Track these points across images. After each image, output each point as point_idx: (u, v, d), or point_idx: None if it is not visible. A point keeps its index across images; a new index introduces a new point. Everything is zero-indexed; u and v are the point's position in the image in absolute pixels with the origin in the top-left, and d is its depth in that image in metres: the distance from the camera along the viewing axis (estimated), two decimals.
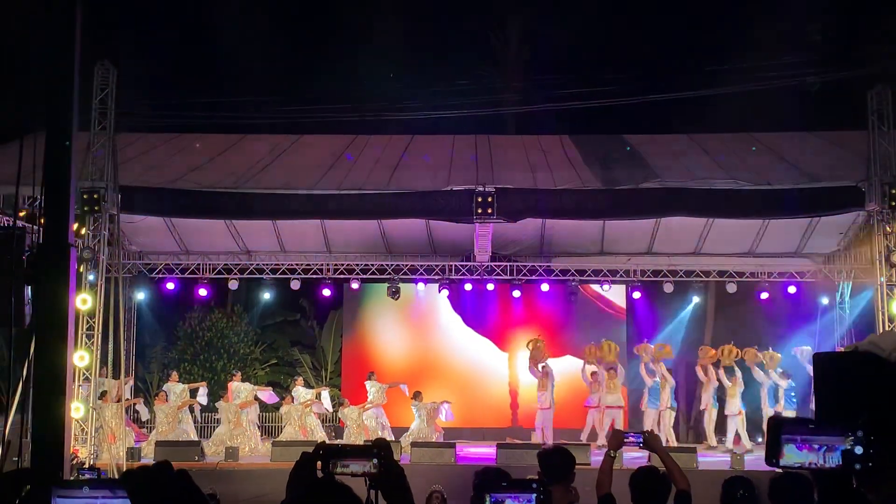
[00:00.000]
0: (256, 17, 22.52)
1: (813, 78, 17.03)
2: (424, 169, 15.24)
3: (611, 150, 16.24)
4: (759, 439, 15.79)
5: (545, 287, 16.88)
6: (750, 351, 15.64)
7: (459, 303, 18.10)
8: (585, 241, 16.29)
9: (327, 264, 16.59)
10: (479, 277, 16.57)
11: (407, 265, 16.52)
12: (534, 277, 16.59)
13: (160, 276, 16.62)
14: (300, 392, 15.94)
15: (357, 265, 16.64)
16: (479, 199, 13.50)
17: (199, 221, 15.50)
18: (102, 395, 14.22)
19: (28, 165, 5.56)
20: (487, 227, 14.43)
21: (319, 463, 2.94)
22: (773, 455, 2.02)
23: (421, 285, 17.06)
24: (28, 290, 5.70)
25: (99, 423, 13.91)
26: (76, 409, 12.53)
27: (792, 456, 1.99)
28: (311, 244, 16.57)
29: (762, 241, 16.05)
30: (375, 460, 2.87)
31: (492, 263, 16.37)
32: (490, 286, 16.98)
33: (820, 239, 15.96)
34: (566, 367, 16.49)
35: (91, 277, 13.78)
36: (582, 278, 16.68)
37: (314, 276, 16.64)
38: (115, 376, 14.45)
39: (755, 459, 13.05)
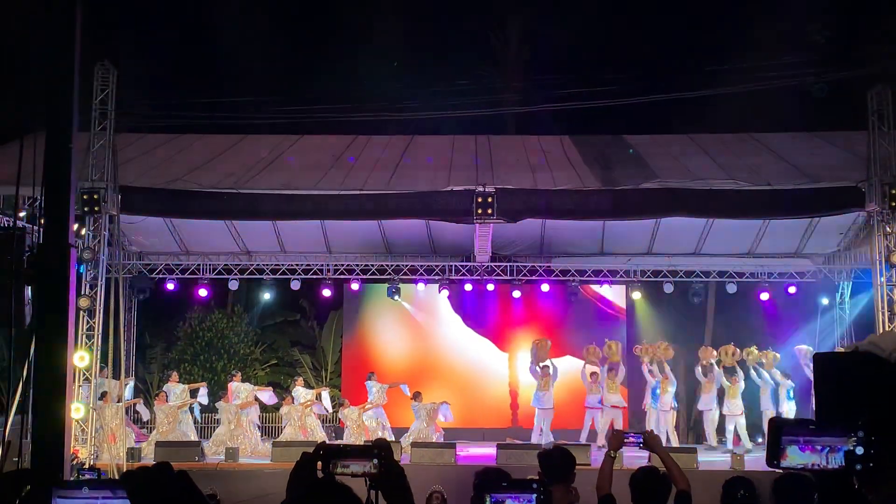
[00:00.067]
0: (256, 17, 22.52)
1: (815, 79, 17.02)
2: (424, 169, 15.24)
3: (611, 150, 16.25)
4: (759, 439, 15.80)
5: (545, 287, 16.89)
6: (750, 351, 15.64)
7: (459, 303, 18.10)
8: (585, 242, 16.30)
9: (327, 264, 16.60)
10: (479, 278, 16.58)
11: (407, 265, 16.53)
12: (534, 277, 16.59)
13: (160, 276, 16.63)
14: (300, 392, 15.94)
15: (357, 265, 16.65)
16: (479, 200, 13.50)
17: (199, 221, 15.50)
18: (103, 395, 14.22)
19: (28, 165, 5.56)
20: (487, 228, 14.42)
21: (320, 463, 2.93)
22: (774, 456, 2.02)
23: (421, 285, 17.06)
24: (28, 291, 5.70)
25: (99, 424, 13.90)
26: (76, 410, 12.52)
27: (795, 457, 1.99)
28: (311, 244, 16.58)
29: (762, 242, 16.06)
30: (376, 460, 2.86)
31: (492, 264, 16.38)
32: (490, 286, 16.99)
33: (820, 239, 15.97)
34: (566, 368, 16.47)
35: (91, 278, 13.77)
36: (582, 278, 16.69)
37: (314, 277, 16.65)
38: (116, 377, 14.46)
39: (755, 460, 13.05)
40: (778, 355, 15.57)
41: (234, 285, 17.15)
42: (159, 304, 18.51)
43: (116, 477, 10.18)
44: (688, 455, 12.89)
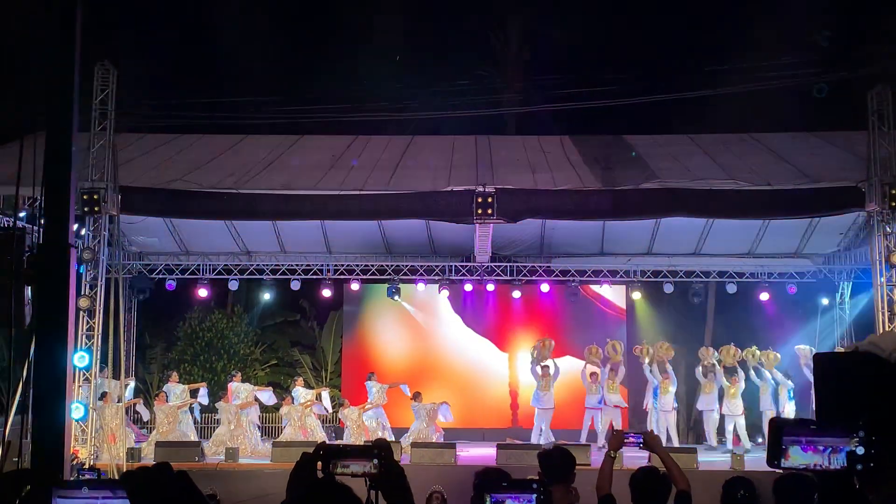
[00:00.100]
0: (256, 18, 22.53)
1: (815, 79, 17.01)
2: (424, 169, 15.23)
3: (611, 150, 16.24)
4: (759, 440, 15.80)
5: (545, 287, 16.89)
6: (751, 351, 15.63)
7: (459, 303, 18.10)
8: (585, 242, 16.30)
9: (327, 265, 16.60)
10: (479, 278, 16.58)
11: (407, 266, 16.53)
12: (534, 278, 16.59)
13: (160, 276, 16.64)
14: (300, 392, 15.94)
15: (357, 266, 16.65)
16: (479, 200, 13.49)
17: (199, 221, 15.50)
18: (103, 395, 14.22)
19: (28, 165, 5.56)
20: (487, 228, 14.42)
21: (320, 463, 2.93)
22: (775, 456, 2.01)
23: (421, 286, 17.05)
24: (28, 291, 5.70)
25: (99, 424, 13.90)
26: (76, 410, 12.52)
27: (797, 457, 1.99)
28: (311, 244, 16.57)
29: (762, 242, 16.06)
30: (376, 461, 2.86)
31: (492, 264, 16.38)
32: (490, 287, 16.99)
33: (820, 239, 15.97)
34: (566, 368, 16.46)
35: (91, 278, 13.77)
36: (582, 278, 16.70)
37: (314, 277, 16.65)
38: (116, 377, 14.46)
39: (755, 460, 13.04)
40: (778, 356, 15.56)
41: (234, 285, 17.16)
42: (159, 304, 18.51)
43: (116, 477, 10.18)
44: (688, 455, 12.89)
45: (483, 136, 17.48)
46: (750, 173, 14.31)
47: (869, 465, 1.93)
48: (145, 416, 16.19)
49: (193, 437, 15.17)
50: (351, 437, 14.97)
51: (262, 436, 15.97)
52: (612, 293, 18.11)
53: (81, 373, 13.32)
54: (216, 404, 15.86)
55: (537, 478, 4.13)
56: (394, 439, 14.42)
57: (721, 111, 18.33)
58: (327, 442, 11.73)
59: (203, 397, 16.14)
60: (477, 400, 17.89)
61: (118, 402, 14.26)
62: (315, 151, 16.42)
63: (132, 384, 16.43)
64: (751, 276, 16.38)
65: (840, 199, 13.74)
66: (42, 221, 5.59)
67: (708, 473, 11.54)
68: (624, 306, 18.21)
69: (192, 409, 15.73)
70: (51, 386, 5.45)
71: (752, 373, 15.50)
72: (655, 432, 13.26)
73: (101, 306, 13.60)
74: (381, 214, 14.65)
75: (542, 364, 15.83)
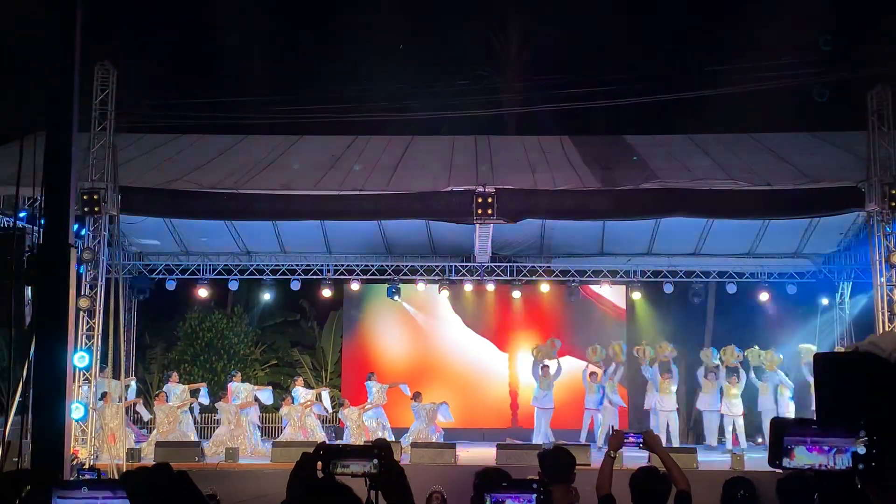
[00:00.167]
0: (256, 17, 22.53)
1: (815, 79, 17.00)
2: (424, 169, 15.23)
3: (611, 150, 16.24)
4: (760, 440, 15.80)
5: (545, 287, 16.89)
6: (753, 352, 15.60)
7: (459, 303, 18.10)
8: (585, 242, 16.30)
9: (327, 265, 16.61)
10: (479, 278, 16.58)
11: (407, 266, 16.54)
12: (534, 278, 16.60)
13: (160, 276, 16.64)
14: (299, 392, 15.93)
15: (357, 266, 16.65)
16: (479, 200, 13.49)
17: (199, 222, 15.50)
18: (103, 395, 14.22)
19: (28, 165, 5.56)
20: (487, 228, 14.42)
21: (320, 463, 2.93)
22: (776, 456, 2.01)
23: (421, 286, 17.05)
24: (28, 291, 5.70)
25: (99, 424, 13.90)
26: (76, 410, 12.52)
27: (802, 457, 1.98)
28: (311, 245, 16.58)
29: (762, 242, 16.06)
30: (376, 460, 2.86)
31: (492, 264, 16.38)
32: (490, 287, 16.99)
33: (820, 239, 15.97)
34: (566, 368, 16.46)
35: (91, 278, 13.77)
36: (582, 278, 16.70)
37: (314, 277, 16.66)
38: (116, 377, 14.45)
39: (755, 460, 13.04)
40: (781, 357, 15.54)
41: (233, 285, 17.17)
42: (159, 304, 18.52)
43: (116, 477, 10.18)
44: (688, 455, 12.88)
45: (483, 136, 17.47)
46: (750, 173, 14.31)
47: (870, 465, 1.93)
48: (145, 416, 16.18)
49: (194, 437, 15.16)
50: (351, 437, 14.97)
51: (262, 436, 15.97)
52: (612, 293, 18.11)
53: (81, 373, 13.31)
54: (216, 404, 15.86)
55: (537, 478, 4.13)
56: (394, 439, 14.41)
57: (721, 111, 18.33)
58: (327, 442, 11.75)
59: (204, 397, 16.15)
60: (477, 400, 17.89)
61: (118, 402, 14.25)
62: (315, 151, 16.41)
63: (133, 383, 16.43)
64: (751, 276, 16.39)
65: (840, 200, 13.74)
66: (42, 221, 5.59)
67: (708, 473, 11.53)
68: (624, 306, 18.21)
69: (191, 409, 15.72)
70: (51, 386, 5.45)
71: (753, 373, 15.49)
72: (655, 432, 13.26)
73: (101, 306, 13.59)
74: (381, 214, 14.65)
75: (543, 364, 15.83)
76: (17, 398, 8.00)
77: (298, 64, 23.74)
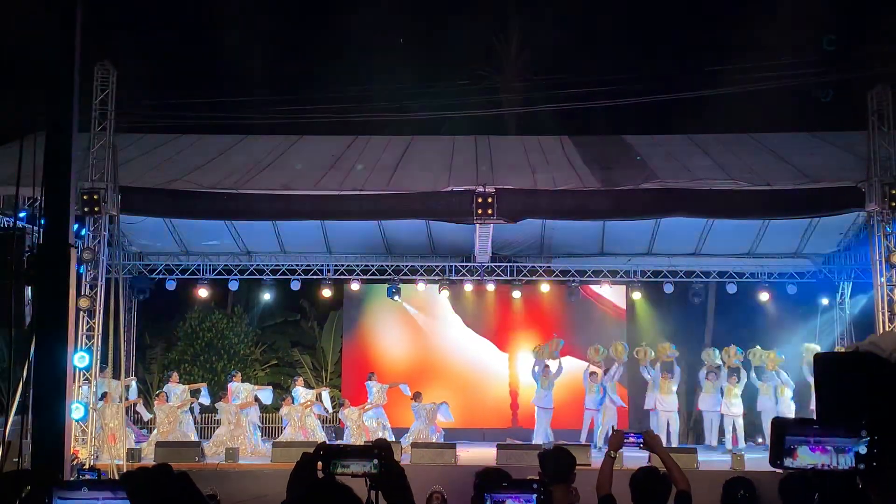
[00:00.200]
0: (256, 17, 22.54)
1: (816, 80, 17.01)
2: (424, 170, 15.23)
3: (611, 150, 16.24)
4: (760, 440, 15.80)
5: (545, 287, 16.89)
6: (755, 352, 15.59)
7: (459, 303, 18.09)
8: (585, 242, 16.30)
9: (327, 265, 16.61)
10: (479, 278, 16.58)
11: (407, 266, 16.54)
12: (534, 278, 16.60)
13: (160, 276, 16.64)
14: (299, 392, 15.93)
15: (357, 266, 16.66)
16: (479, 200, 13.49)
17: (199, 222, 15.50)
18: (103, 395, 14.21)
19: (28, 165, 5.56)
20: (487, 228, 14.42)
21: (320, 463, 2.93)
22: (777, 456, 2.01)
23: (421, 286, 17.05)
24: (28, 291, 5.70)
25: (99, 424, 13.90)
26: (76, 410, 12.52)
27: (805, 457, 1.98)
28: (311, 245, 16.58)
29: (762, 242, 16.06)
30: (376, 461, 2.86)
31: (492, 264, 16.38)
32: (490, 287, 16.99)
33: (820, 239, 15.97)
34: (566, 368, 16.46)
35: (91, 278, 13.77)
36: (582, 279, 16.70)
37: (314, 277, 16.66)
38: (116, 377, 14.45)
39: (755, 460, 13.04)
40: (783, 357, 15.52)
41: (234, 286, 17.17)
42: (159, 305, 18.52)
43: (116, 477, 10.18)
44: (688, 455, 12.88)
45: (483, 136, 17.47)
46: (750, 173, 14.31)
47: (871, 465, 1.93)
48: (145, 416, 16.18)
49: (194, 437, 15.16)
50: (351, 438, 14.97)
51: (262, 436, 15.97)
52: (612, 293, 18.11)
53: (81, 373, 13.31)
54: (216, 405, 15.86)
55: (537, 478, 4.13)
56: (394, 439, 14.41)
57: (721, 111, 18.33)
58: (327, 442, 11.75)
59: (205, 397, 16.15)
60: (477, 400, 17.89)
61: (118, 402, 14.25)
62: (315, 151, 16.42)
63: (134, 384, 16.43)
64: (751, 276, 16.39)
65: (840, 199, 13.74)
66: (42, 221, 5.59)
67: (708, 473, 11.53)
68: (624, 306, 18.20)
69: (191, 409, 15.72)
70: (51, 386, 5.45)
71: (754, 373, 15.48)
72: (655, 432, 13.25)
73: (101, 306, 13.59)
74: (381, 214, 14.66)
75: (545, 363, 15.82)
76: (17, 398, 8.00)
77: (298, 64, 23.74)
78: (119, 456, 13.14)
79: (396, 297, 17.10)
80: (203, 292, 17.02)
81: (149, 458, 13.36)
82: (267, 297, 18.42)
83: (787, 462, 2.01)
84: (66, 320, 5.48)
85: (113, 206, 13.56)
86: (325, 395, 16.32)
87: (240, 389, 15.76)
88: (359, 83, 21.67)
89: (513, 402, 18.06)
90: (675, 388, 15.60)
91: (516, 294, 17.21)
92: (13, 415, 7.94)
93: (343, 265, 16.64)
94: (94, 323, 13.61)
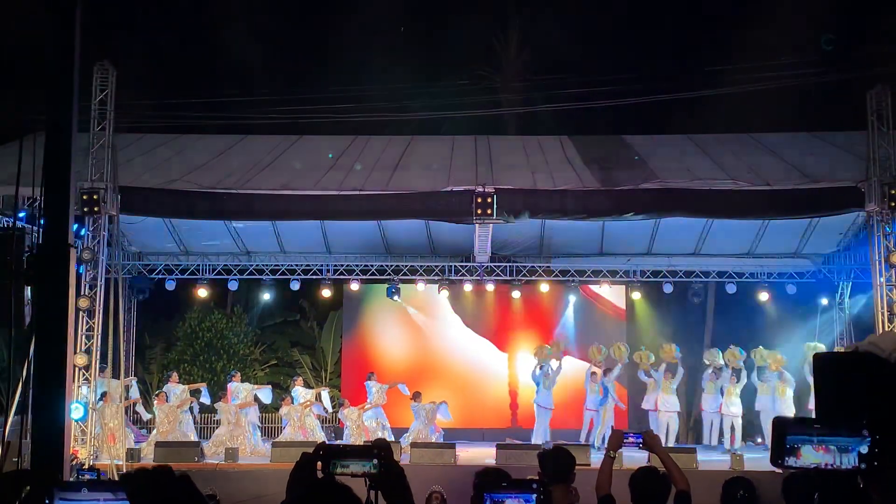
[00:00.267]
0: (256, 17, 22.52)
1: (817, 80, 17.02)
2: (424, 169, 15.24)
3: (611, 150, 16.24)
4: (759, 439, 15.79)
5: (545, 287, 16.89)
6: (758, 352, 15.57)
7: (459, 303, 18.09)
8: (585, 242, 16.30)
9: (327, 265, 16.61)
10: (478, 278, 16.58)
11: (407, 266, 16.53)
12: (533, 278, 16.60)
13: (160, 276, 16.64)
14: (299, 392, 15.93)
15: (357, 266, 16.65)
16: (479, 200, 13.49)
17: (198, 222, 15.50)
18: (103, 395, 14.21)
19: (28, 165, 5.56)
20: (487, 228, 14.42)
21: (320, 463, 2.93)
22: (778, 455, 2.01)
23: (421, 286, 17.05)
24: (28, 291, 5.70)
25: (99, 424, 13.89)
26: (76, 410, 12.52)
27: (809, 456, 1.98)
28: (311, 245, 16.58)
29: (762, 242, 16.06)
30: (375, 461, 2.86)
31: (491, 264, 16.38)
32: (490, 287, 16.99)
33: (819, 239, 15.98)
34: (565, 368, 16.45)
35: (91, 278, 13.77)
36: (582, 278, 16.69)
37: (314, 277, 16.66)
38: (116, 377, 14.45)
39: (755, 460, 13.05)
40: (785, 359, 15.49)
41: (233, 286, 17.17)
42: (159, 304, 18.52)
43: (116, 477, 10.18)
44: (688, 455, 12.88)
45: (483, 137, 17.47)
46: (750, 173, 14.32)
47: (872, 464, 1.93)
48: (145, 416, 16.18)
49: (193, 437, 15.15)
50: (351, 438, 14.97)
51: (261, 436, 15.97)
52: (611, 293, 18.11)
53: (81, 373, 13.32)
54: (215, 405, 15.86)
55: (537, 478, 4.13)
56: (393, 439, 14.41)
57: (721, 111, 18.33)
58: (327, 442, 11.74)
59: (205, 397, 16.15)
60: (477, 400, 17.89)
61: (118, 402, 14.24)
62: (315, 151, 16.41)
63: (134, 384, 16.43)
64: (750, 276, 16.40)
65: (839, 200, 13.74)
66: (42, 221, 5.59)
67: (708, 473, 11.53)
68: (624, 306, 18.20)
69: (191, 409, 15.72)
70: (51, 386, 5.45)
71: (755, 373, 15.47)
72: (655, 432, 13.24)
73: (101, 306, 13.59)
74: (380, 214, 14.66)
75: (543, 364, 15.81)
76: (17, 398, 8.00)
77: (298, 64, 23.76)
78: (118, 456, 13.14)
79: (396, 297, 17.09)
80: (202, 292, 17.02)
81: (148, 458, 13.36)
82: (266, 297, 18.41)
83: (790, 461, 2.01)
84: (66, 320, 5.48)
85: (112, 206, 13.56)
86: (325, 394, 16.31)
87: (239, 389, 15.75)
88: (359, 83, 21.67)
89: (512, 402, 18.06)
90: (674, 386, 15.58)
91: (516, 294, 17.21)
92: (13, 415, 7.94)
93: (343, 265, 16.64)
94: (93, 323, 13.60)
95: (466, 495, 3.69)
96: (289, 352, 20.71)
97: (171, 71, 21.78)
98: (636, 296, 17.67)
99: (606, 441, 4.85)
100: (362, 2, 23.87)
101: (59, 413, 5.50)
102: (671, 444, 15.20)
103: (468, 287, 16.98)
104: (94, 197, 13.29)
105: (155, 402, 15.52)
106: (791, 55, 17.88)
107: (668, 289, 16.72)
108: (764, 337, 16.58)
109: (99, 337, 13.62)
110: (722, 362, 15.49)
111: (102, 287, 13.71)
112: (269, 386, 16.73)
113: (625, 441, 4.51)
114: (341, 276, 16.74)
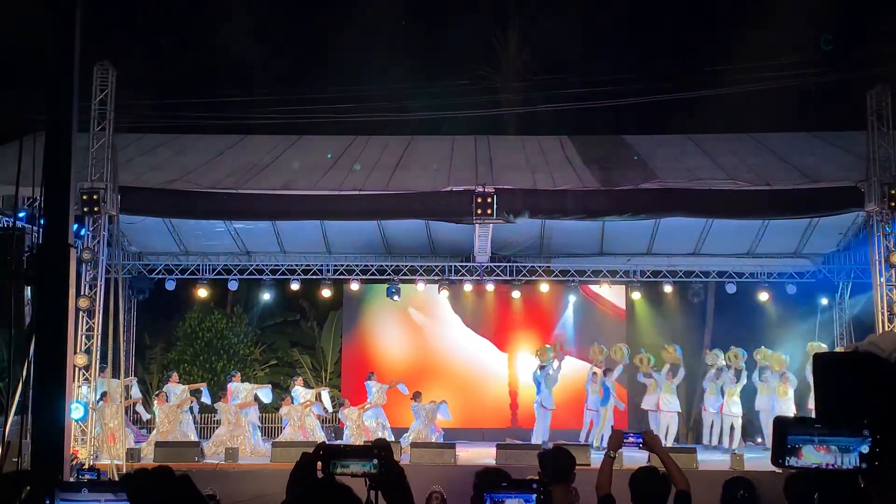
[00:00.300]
0: (256, 17, 22.52)
1: (817, 80, 17.01)
2: (424, 170, 15.24)
3: (610, 150, 16.25)
4: (759, 439, 15.80)
5: (545, 287, 16.89)
6: (760, 352, 15.57)
7: (459, 303, 18.09)
8: (585, 242, 16.30)
9: (327, 265, 16.60)
10: (478, 278, 16.58)
11: (407, 266, 16.53)
12: (533, 278, 16.60)
13: (160, 276, 16.64)
14: (299, 392, 15.93)
15: (357, 266, 16.65)
16: (479, 200, 13.49)
17: (198, 221, 15.50)
18: (103, 395, 14.21)
19: (28, 165, 5.56)
20: (487, 228, 14.42)
21: (320, 463, 2.93)
22: (779, 455, 2.01)
23: (421, 286, 17.05)
24: (28, 291, 5.70)
25: (99, 424, 13.89)
26: (76, 410, 12.51)
27: (810, 456, 1.98)
28: (310, 245, 16.58)
29: (762, 242, 16.07)
30: (375, 461, 2.86)
31: (491, 264, 16.38)
32: (490, 287, 16.99)
33: (819, 239, 15.98)
34: (565, 368, 16.45)
35: (90, 278, 13.77)
36: (582, 278, 16.70)
37: (314, 277, 16.66)
38: (116, 377, 14.45)
39: (755, 460, 13.05)
40: (788, 359, 15.48)
41: (233, 286, 17.16)
42: (159, 305, 18.52)
43: (116, 477, 10.19)
44: (688, 455, 12.88)
45: (483, 136, 17.48)
46: (750, 173, 14.32)
47: (873, 464, 1.93)
48: (144, 416, 16.18)
49: (193, 437, 15.16)
50: (351, 437, 14.97)
51: (261, 436, 15.97)
52: (611, 293, 18.10)
53: (81, 373, 13.31)
54: (215, 405, 15.86)
55: (537, 478, 4.13)
56: (393, 439, 14.41)
57: (721, 111, 18.34)
58: (327, 442, 11.74)
59: (205, 397, 16.15)
60: (477, 400, 17.88)
61: (118, 402, 14.24)
62: (315, 151, 16.42)
63: (135, 384, 16.43)
64: (750, 276, 16.39)
65: (839, 200, 13.74)
66: (42, 221, 5.59)
67: (708, 473, 11.54)
68: (624, 306, 18.20)
69: (191, 409, 15.72)
70: (51, 386, 5.45)
71: (756, 373, 15.47)
72: (655, 432, 13.24)
73: (101, 306, 13.59)
74: (380, 214, 14.66)
75: (542, 364, 15.81)
76: (17, 398, 8.00)
77: (298, 64, 23.75)
78: (118, 456, 13.14)
79: (396, 297, 17.09)
80: (202, 292, 17.02)
81: (148, 458, 13.36)
82: (266, 297, 18.41)
83: (791, 461, 2.01)
84: (66, 320, 5.48)
85: (112, 206, 13.55)
86: (325, 394, 16.31)
87: (239, 389, 15.75)
88: (359, 83, 21.67)
89: (512, 402, 18.06)
90: (674, 387, 15.57)
91: (516, 294, 17.21)
92: (13, 415, 7.94)
93: (342, 265, 16.64)
94: (93, 323, 13.60)
95: (466, 495, 3.69)
96: (289, 352, 20.70)
97: (171, 71, 21.78)
98: (636, 296, 17.67)
99: (606, 441, 4.85)
100: (362, 2, 23.87)
101: (59, 413, 5.50)
102: (671, 444, 15.21)
103: (468, 287, 16.98)
104: (94, 197, 13.28)
105: (155, 402, 15.52)
106: (791, 55, 17.89)
107: (668, 289, 16.72)
108: (764, 337, 16.59)
109: (99, 337, 13.61)
110: (723, 363, 15.49)
111: (102, 287, 13.71)
112: (269, 385, 16.73)
113: (625, 441, 4.51)
114: (341, 276, 16.74)
